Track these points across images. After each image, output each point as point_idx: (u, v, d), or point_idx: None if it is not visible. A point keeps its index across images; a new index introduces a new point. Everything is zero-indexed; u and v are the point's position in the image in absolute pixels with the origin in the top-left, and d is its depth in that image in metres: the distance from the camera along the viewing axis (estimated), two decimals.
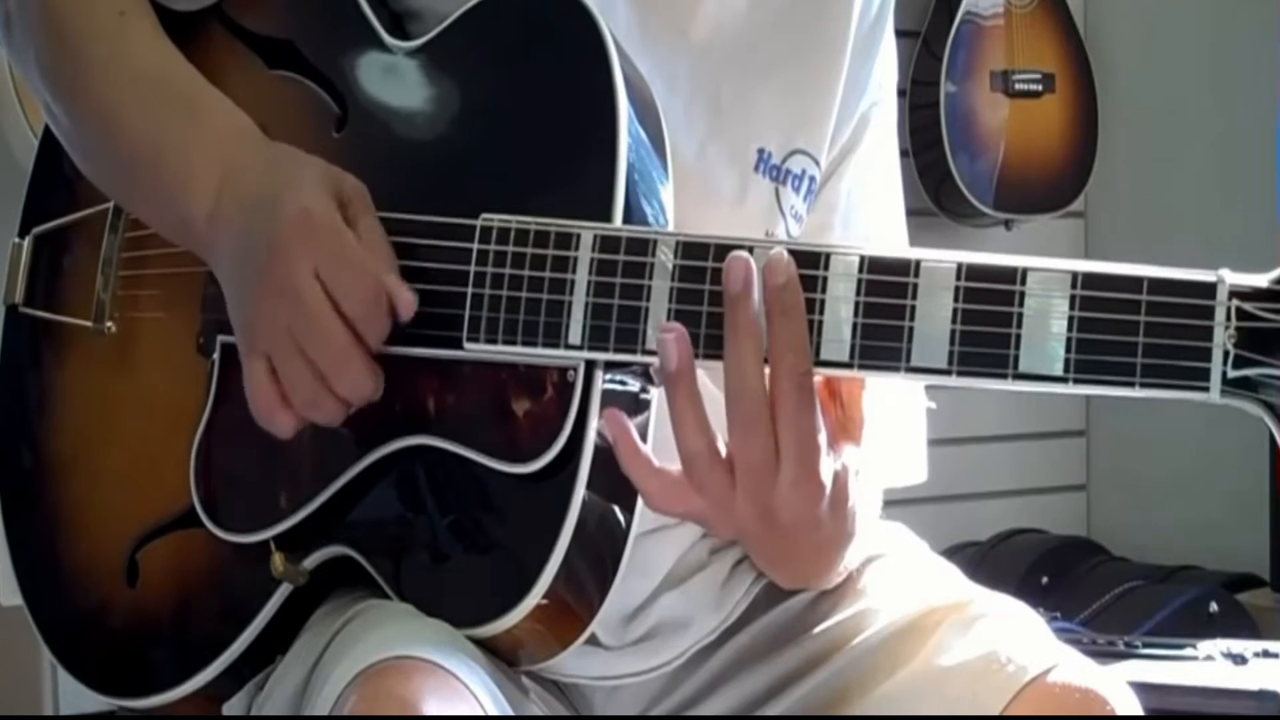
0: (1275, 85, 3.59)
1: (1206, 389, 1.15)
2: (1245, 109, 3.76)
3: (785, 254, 1.22)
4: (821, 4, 1.51)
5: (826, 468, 1.23)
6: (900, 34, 1.59)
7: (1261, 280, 1.15)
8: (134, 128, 1.41)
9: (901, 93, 3.66)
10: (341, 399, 1.30)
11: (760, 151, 1.47)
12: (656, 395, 1.32)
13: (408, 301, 1.30)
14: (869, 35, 1.54)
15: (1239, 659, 2.65)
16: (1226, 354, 1.14)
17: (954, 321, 1.20)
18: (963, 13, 3.74)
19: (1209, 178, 3.88)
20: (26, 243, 1.61)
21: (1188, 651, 2.68)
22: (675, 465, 1.24)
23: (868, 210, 1.54)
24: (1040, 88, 3.83)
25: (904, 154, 4.03)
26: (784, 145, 1.48)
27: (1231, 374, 1.14)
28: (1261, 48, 3.70)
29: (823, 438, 1.22)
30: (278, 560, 1.38)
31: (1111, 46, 3.98)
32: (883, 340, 1.21)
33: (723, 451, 1.23)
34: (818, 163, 1.50)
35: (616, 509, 1.31)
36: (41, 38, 1.46)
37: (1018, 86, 3.80)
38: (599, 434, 1.27)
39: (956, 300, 1.20)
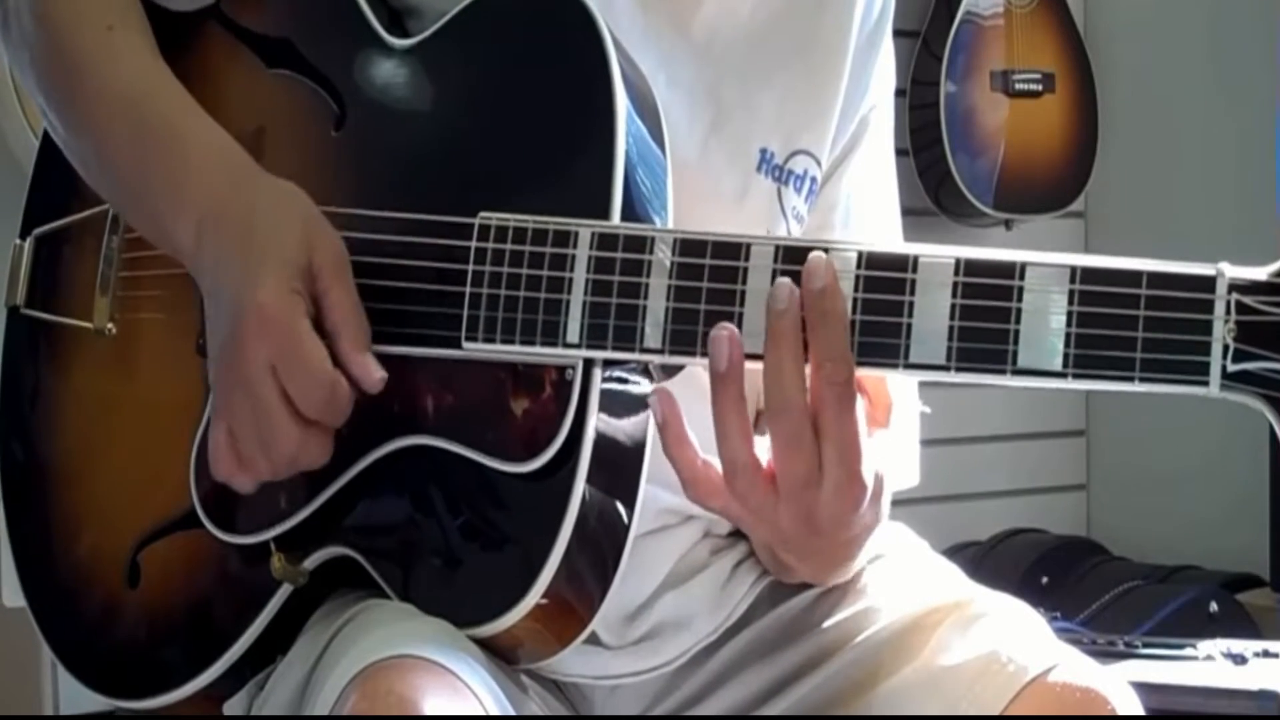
0: (1275, 85, 3.59)
1: (1206, 383, 1.15)
2: (1245, 109, 3.76)
3: (824, 256, 1.21)
4: (824, 6, 1.51)
5: (868, 468, 1.23)
6: (900, 34, 1.59)
7: (1261, 273, 1.15)
8: (120, 150, 1.41)
9: (901, 93, 3.66)
10: (292, 472, 1.33)
11: (763, 151, 1.47)
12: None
13: (374, 380, 1.30)
14: (871, 37, 1.54)
15: (1239, 659, 2.64)
16: (1226, 348, 1.14)
17: (952, 317, 1.20)
18: (963, 13, 3.74)
19: (1209, 178, 3.88)
20: (27, 244, 1.61)
21: (1188, 651, 2.68)
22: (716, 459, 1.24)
23: (867, 211, 1.54)
24: (1040, 88, 3.82)
25: (904, 154, 4.04)
26: (786, 145, 1.48)
27: (1231, 368, 1.14)
28: (1261, 47, 3.70)
29: (864, 438, 1.22)
30: (278, 561, 1.38)
31: (1111, 46, 3.97)
32: (881, 336, 1.21)
33: (764, 460, 1.22)
34: (819, 163, 1.50)
35: (617, 508, 1.31)
36: (35, 47, 1.47)
37: (1018, 86, 3.79)
38: (598, 432, 1.27)
39: (955, 296, 1.20)
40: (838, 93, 1.51)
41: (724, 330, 1.21)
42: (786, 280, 1.21)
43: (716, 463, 1.24)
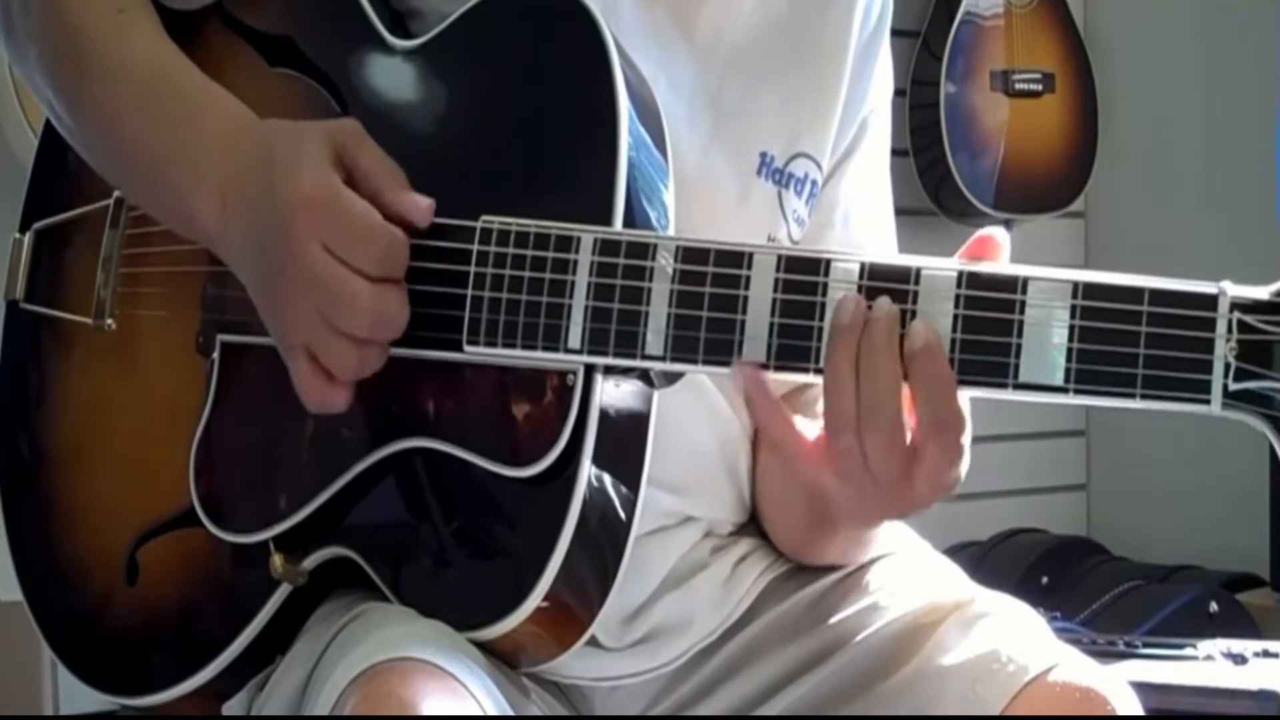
0: (1275, 85, 3.59)
1: (1207, 401, 1.15)
2: (1245, 109, 3.76)
3: (930, 327, 1.20)
4: (824, 10, 1.51)
5: (954, 483, 1.24)
6: (900, 34, 1.60)
7: (1263, 292, 1.15)
8: (134, 129, 1.41)
9: (901, 92, 3.66)
10: (384, 346, 1.30)
11: (763, 155, 1.47)
12: (656, 399, 1.32)
13: (423, 209, 1.31)
14: (870, 42, 1.54)
15: (1239, 659, 2.64)
16: (1228, 366, 1.14)
17: (954, 330, 1.20)
18: (963, 12, 3.74)
19: (1209, 178, 3.88)
20: (27, 238, 1.61)
21: (1188, 651, 2.68)
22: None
23: (865, 213, 1.55)
24: (1040, 88, 3.82)
25: (904, 154, 4.03)
26: (787, 148, 1.48)
27: (1233, 386, 1.14)
28: (1261, 48, 3.70)
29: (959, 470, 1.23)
30: (277, 561, 1.38)
31: (1111, 46, 3.97)
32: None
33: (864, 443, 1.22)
34: (819, 166, 1.50)
35: (617, 512, 1.31)
36: (42, 36, 1.46)
37: (1018, 86, 3.80)
38: (599, 436, 1.27)
39: (957, 308, 1.20)
40: (838, 95, 1.51)
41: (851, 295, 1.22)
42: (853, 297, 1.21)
43: (808, 434, 1.25)
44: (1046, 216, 3.86)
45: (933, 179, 3.75)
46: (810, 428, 1.27)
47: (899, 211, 1.61)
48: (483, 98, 1.38)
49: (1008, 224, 3.80)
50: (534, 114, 1.35)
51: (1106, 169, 3.89)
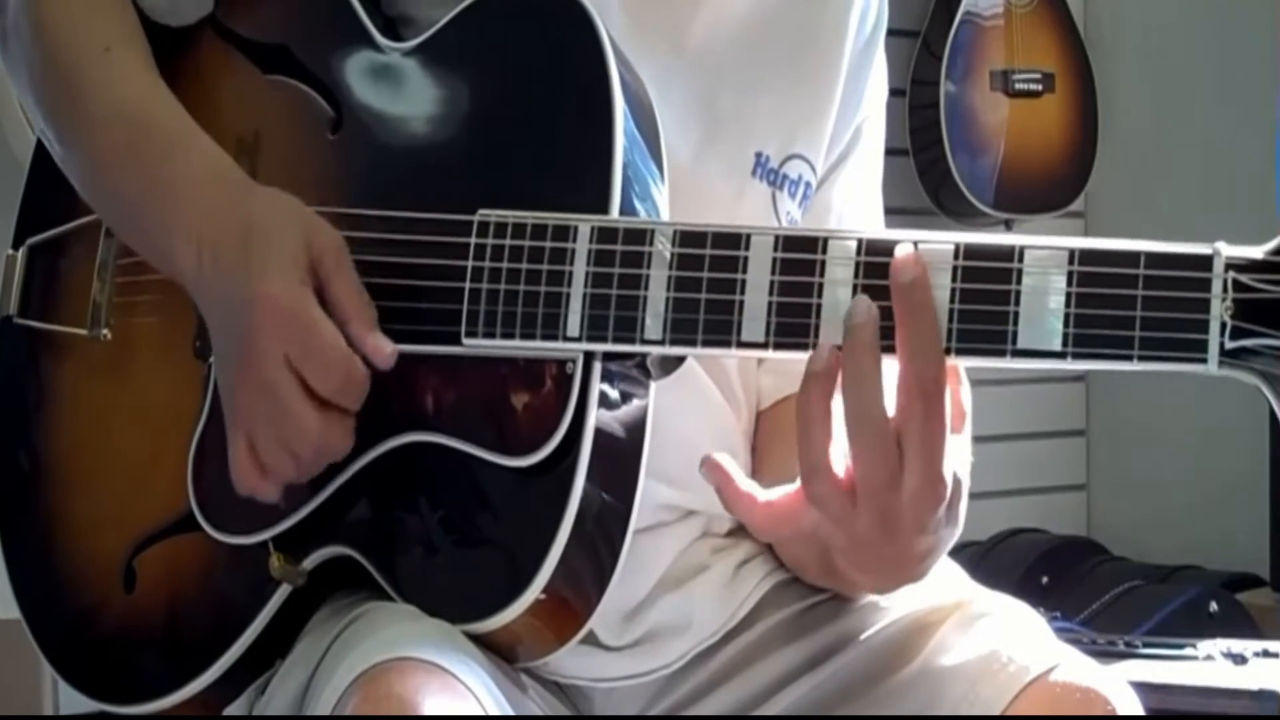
0: (1275, 85, 3.59)
1: (1204, 360, 1.15)
2: (1245, 109, 3.77)
3: (913, 249, 1.19)
4: (819, 12, 1.51)
5: (948, 471, 1.21)
6: (900, 34, 1.60)
7: (1257, 252, 1.16)
8: (117, 170, 1.41)
9: (901, 92, 3.66)
10: (318, 465, 1.33)
11: (758, 155, 1.47)
12: (654, 389, 1.32)
13: (385, 356, 1.30)
14: (867, 46, 1.54)
15: (1239, 659, 2.65)
16: (1224, 325, 1.15)
17: (952, 301, 1.20)
18: (963, 12, 3.74)
19: (1209, 178, 3.88)
20: (21, 254, 1.61)
21: (1188, 651, 2.68)
22: (778, 488, 1.23)
23: (857, 218, 1.55)
24: (1040, 87, 3.83)
25: (904, 154, 4.01)
26: (782, 150, 1.48)
27: (1229, 345, 1.15)
28: (1261, 47, 3.71)
29: (948, 437, 1.20)
30: (276, 561, 1.38)
31: (1111, 46, 3.98)
32: (882, 321, 1.21)
33: (841, 468, 1.20)
34: (814, 168, 1.50)
35: (616, 502, 1.31)
36: (34, 64, 1.47)
37: (1018, 86, 3.80)
38: (598, 426, 1.27)
39: (954, 280, 1.20)
40: (834, 97, 1.51)
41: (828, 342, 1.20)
42: (864, 297, 1.19)
43: (777, 492, 1.23)
44: (1046, 216, 3.86)
45: (933, 179, 3.75)
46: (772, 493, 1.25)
47: (899, 211, 1.61)
48: (477, 96, 1.38)
49: (1008, 224, 3.81)
50: (529, 111, 1.35)
51: (1106, 169, 3.89)
